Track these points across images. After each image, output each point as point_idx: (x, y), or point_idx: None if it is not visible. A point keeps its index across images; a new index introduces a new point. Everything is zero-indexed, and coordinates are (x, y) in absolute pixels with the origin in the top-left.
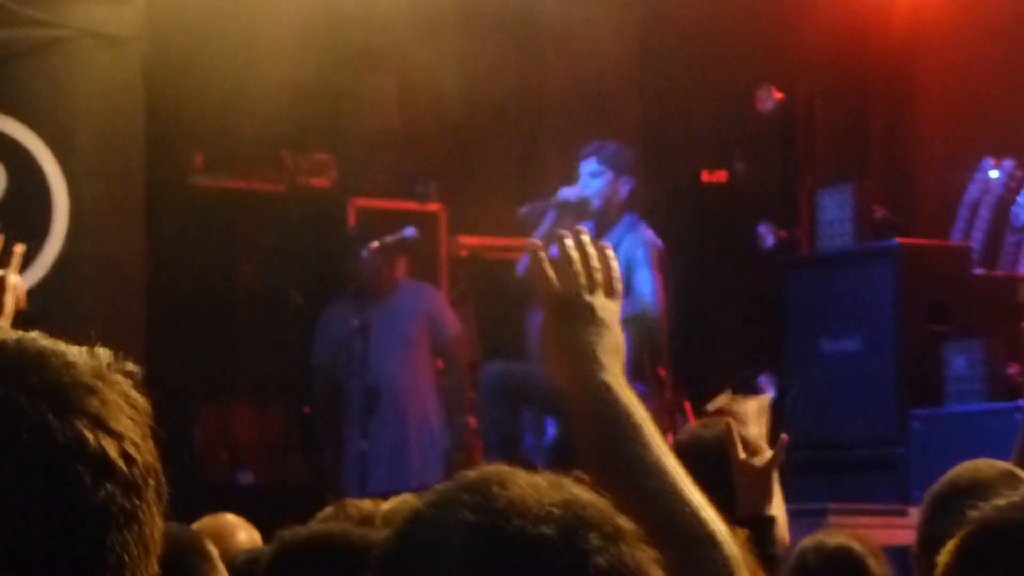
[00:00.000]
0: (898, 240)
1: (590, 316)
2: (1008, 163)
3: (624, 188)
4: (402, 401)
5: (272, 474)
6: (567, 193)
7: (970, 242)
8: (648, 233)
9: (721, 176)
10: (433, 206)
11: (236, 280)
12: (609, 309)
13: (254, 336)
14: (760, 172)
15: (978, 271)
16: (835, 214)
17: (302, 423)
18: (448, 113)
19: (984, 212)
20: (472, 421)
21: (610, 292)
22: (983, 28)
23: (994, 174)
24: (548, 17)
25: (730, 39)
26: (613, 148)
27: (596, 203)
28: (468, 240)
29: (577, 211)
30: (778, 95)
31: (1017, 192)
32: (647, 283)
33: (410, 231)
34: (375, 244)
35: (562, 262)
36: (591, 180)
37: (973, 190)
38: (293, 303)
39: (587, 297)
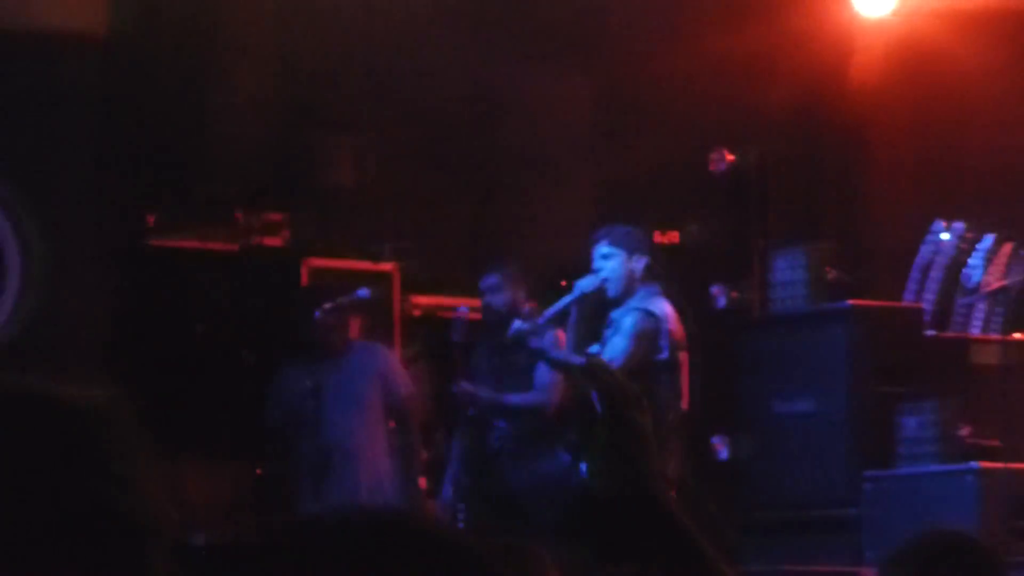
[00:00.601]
0: (850, 302)
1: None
2: (959, 225)
3: (638, 266)
4: (355, 462)
5: (224, 535)
6: (584, 284)
7: (922, 304)
8: (652, 304)
9: (674, 237)
10: (386, 266)
11: (189, 339)
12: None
13: (207, 395)
14: (713, 233)
15: (930, 333)
16: (788, 275)
17: (255, 484)
18: (402, 172)
19: (935, 274)
20: (423, 482)
21: None
22: (934, 92)
23: (945, 236)
24: (504, 78)
25: (684, 101)
26: (622, 230)
27: (612, 290)
28: (421, 300)
29: (597, 298)
30: (730, 157)
31: (968, 254)
32: (615, 347)
33: (364, 291)
34: (328, 304)
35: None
36: (604, 263)
37: (925, 252)
38: (246, 362)
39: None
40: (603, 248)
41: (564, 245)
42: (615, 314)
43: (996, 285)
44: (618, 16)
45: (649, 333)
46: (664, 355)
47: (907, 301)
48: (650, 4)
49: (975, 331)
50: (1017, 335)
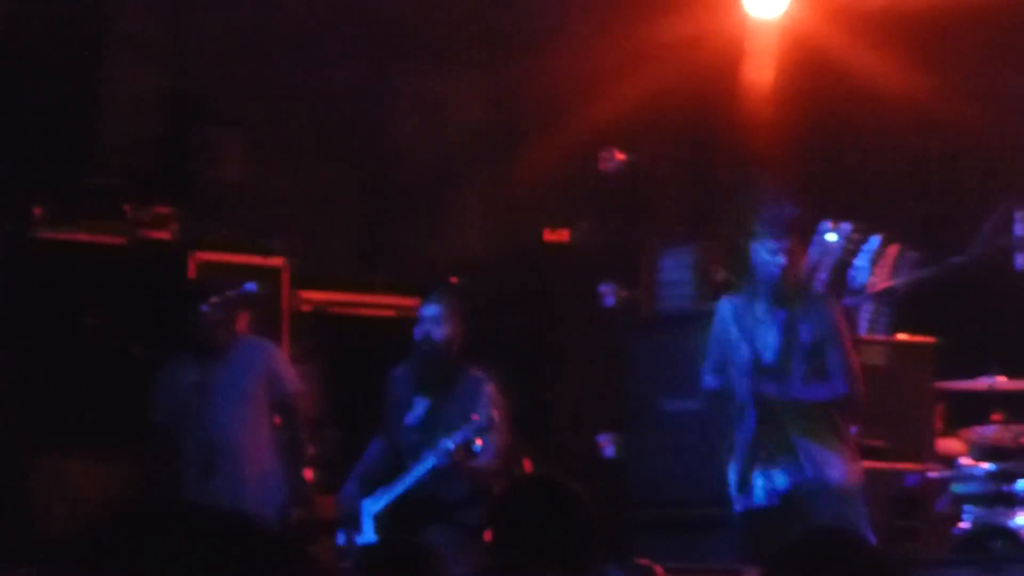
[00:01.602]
0: None
1: None
2: (846, 226)
3: None
4: (240, 458)
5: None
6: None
7: None
8: None
9: (563, 235)
10: (276, 260)
11: (77, 333)
12: None
13: (95, 389)
14: (602, 232)
15: None
16: (676, 275)
17: (142, 478)
18: (293, 167)
19: (822, 274)
20: (309, 474)
21: None
22: (823, 93)
23: (832, 237)
24: (401, 75)
25: (576, 101)
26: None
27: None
28: (311, 295)
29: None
30: (621, 156)
31: (854, 255)
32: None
33: (251, 286)
34: (215, 299)
35: None
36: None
37: (811, 252)
38: (134, 356)
39: None
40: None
41: (456, 242)
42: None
43: (882, 286)
44: (512, 16)
45: None
46: None
47: None
48: (543, 5)
49: (861, 332)
50: (902, 336)
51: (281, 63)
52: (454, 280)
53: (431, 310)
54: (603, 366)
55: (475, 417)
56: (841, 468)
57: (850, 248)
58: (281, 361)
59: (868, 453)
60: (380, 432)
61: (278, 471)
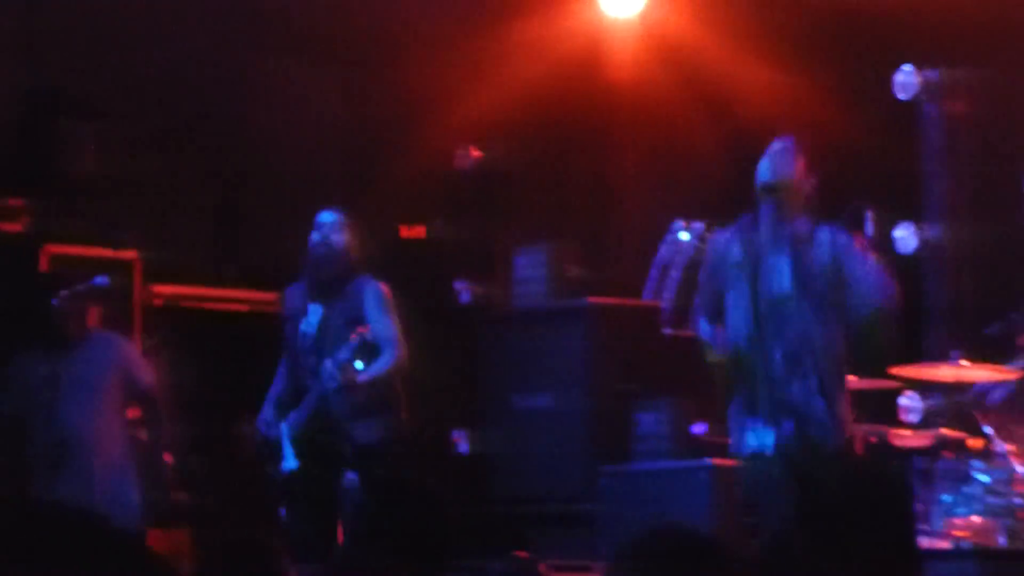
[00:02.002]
0: (589, 300)
1: None
2: (698, 225)
3: None
4: (89, 452)
5: None
6: None
7: (661, 303)
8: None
9: (419, 232)
10: (128, 254)
11: None
12: None
13: None
14: (458, 229)
15: (668, 331)
16: (530, 272)
17: None
18: (146, 161)
19: (675, 273)
20: (169, 458)
21: None
22: (678, 95)
23: (685, 236)
24: (258, 68)
25: (434, 98)
26: None
27: None
28: (163, 289)
29: None
30: (476, 154)
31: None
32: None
33: (102, 279)
34: (66, 292)
35: None
36: None
37: (664, 251)
38: None
39: None
40: None
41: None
42: None
43: None
44: (370, 13)
45: None
46: None
47: (646, 299)
48: (402, 3)
49: None
50: None
51: (136, 55)
52: None
53: (329, 216)
54: (458, 363)
55: (361, 330)
56: (838, 428)
57: (702, 247)
58: (134, 354)
59: (718, 450)
60: (284, 351)
61: (129, 466)
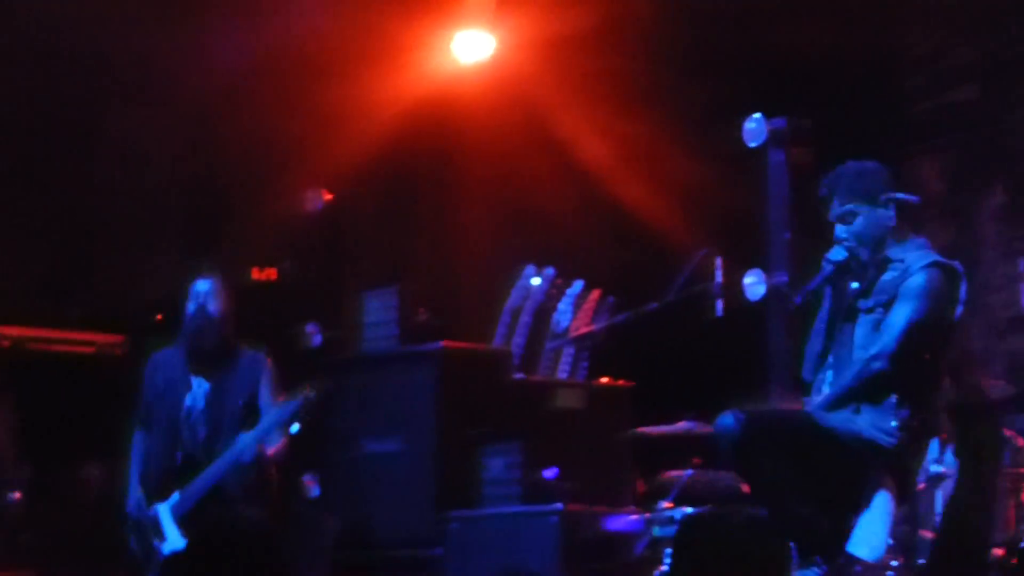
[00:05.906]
0: (440, 343)
1: None
2: (550, 271)
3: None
4: None
5: None
6: (833, 255)
7: (511, 347)
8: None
9: (272, 274)
10: None
11: None
12: None
13: None
14: (308, 271)
15: (518, 376)
16: (379, 316)
17: None
18: None
19: (525, 318)
20: (19, 496)
21: None
22: (527, 140)
23: (536, 281)
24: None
25: (282, 142)
26: (851, 172)
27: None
28: (9, 331)
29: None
30: (327, 196)
31: (558, 299)
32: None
33: None
34: None
35: None
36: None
37: (515, 296)
38: None
39: None
40: (836, 208)
41: (158, 279)
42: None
43: (583, 330)
44: (217, 62)
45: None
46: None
47: (497, 344)
48: (249, 47)
49: (562, 375)
50: (603, 379)
51: None
52: (160, 318)
53: (205, 284)
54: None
55: (273, 406)
56: None
57: (553, 292)
58: None
59: (567, 495)
60: (141, 425)
61: None
